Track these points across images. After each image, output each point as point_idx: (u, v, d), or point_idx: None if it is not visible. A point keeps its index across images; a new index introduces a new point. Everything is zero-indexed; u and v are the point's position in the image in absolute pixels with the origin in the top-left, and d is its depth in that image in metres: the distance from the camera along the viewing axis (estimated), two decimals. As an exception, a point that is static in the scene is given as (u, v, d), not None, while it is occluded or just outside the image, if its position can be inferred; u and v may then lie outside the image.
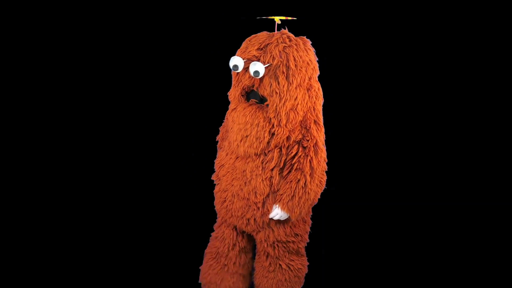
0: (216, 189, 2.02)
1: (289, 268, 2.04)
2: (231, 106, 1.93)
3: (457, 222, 2.53)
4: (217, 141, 2.05)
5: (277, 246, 2.00)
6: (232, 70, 1.87)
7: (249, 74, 1.85)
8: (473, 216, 2.55)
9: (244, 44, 1.89)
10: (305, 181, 1.89)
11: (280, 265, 2.04)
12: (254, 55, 1.86)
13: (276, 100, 1.86)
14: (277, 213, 1.92)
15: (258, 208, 1.93)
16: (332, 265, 2.33)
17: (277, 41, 1.86)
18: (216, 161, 2.02)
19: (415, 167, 2.68)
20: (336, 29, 2.58)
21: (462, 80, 2.66)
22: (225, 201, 1.98)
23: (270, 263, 2.04)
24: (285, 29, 1.91)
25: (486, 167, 2.66)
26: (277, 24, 1.91)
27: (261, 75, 1.83)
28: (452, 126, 2.67)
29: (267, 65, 1.83)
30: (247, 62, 1.85)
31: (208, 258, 2.11)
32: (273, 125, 1.86)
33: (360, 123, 2.66)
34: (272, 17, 1.92)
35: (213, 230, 2.12)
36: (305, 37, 1.91)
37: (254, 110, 1.87)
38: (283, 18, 1.91)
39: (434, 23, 2.62)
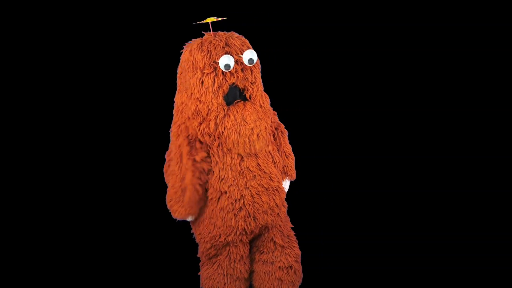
0: (220, 205, 1.94)
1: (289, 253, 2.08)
2: (214, 116, 1.88)
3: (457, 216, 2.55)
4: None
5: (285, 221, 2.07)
6: (225, 71, 1.87)
7: (232, 71, 1.87)
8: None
9: (201, 52, 1.88)
10: (290, 148, 2.05)
11: (283, 249, 2.07)
12: (226, 52, 1.88)
13: (259, 85, 1.93)
14: (287, 185, 2.06)
15: (275, 190, 1.97)
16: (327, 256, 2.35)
17: (230, 35, 1.92)
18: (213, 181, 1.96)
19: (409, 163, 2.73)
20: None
21: (459, 78, 2.72)
22: (241, 209, 1.93)
23: (274, 252, 2.05)
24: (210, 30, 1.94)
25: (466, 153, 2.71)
26: (211, 24, 1.93)
27: (254, 62, 1.88)
28: (447, 124, 2.73)
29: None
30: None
31: (207, 267, 2.06)
32: (265, 110, 1.94)
33: (357, 122, 2.72)
34: (206, 20, 1.93)
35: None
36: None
37: (251, 106, 1.90)
38: (214, 19, 1.93)
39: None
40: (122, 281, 2.21)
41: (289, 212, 2.12)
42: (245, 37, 1.96)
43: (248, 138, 1.89)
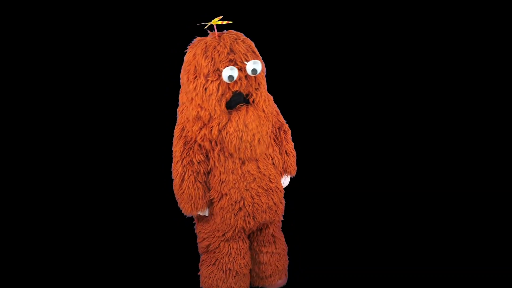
0: (220, 205, 1.98)
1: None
2: (216, 122, 1.89)
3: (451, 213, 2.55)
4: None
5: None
6: (228, 81, 1.85)
7: (236, 79, 1.86)
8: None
9: (205, 59, 1.86)
10: (291, 147, 2.07)
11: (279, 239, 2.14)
12: (230, 60, 1.86)
13: (262, 90, 1.92)
14: (287, 181, 2.08)
15: (274, 191, 2.01)
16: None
17: (235, 39, 1.88)
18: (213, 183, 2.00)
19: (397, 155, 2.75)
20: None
21: (460, 78, 2.74)
22: (240, 209, 1.97)
23: (275, 243, 2.13)
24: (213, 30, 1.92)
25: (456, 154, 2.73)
26: (215, 26, 1.90)
27: (258, 73, 1.88)
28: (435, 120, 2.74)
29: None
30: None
31: (206, 265, 2.10)
32: (267, 114, 1.94)
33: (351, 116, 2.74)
34: (211, 22, 1.90)
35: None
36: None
37: (253, 111, 1.90)
38: (218, 21, 1.90)
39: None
40: (122, 281, 2.23)
41: (290, 212, 2.16)
42: (246, 36, 1.94)
43: (250, 144, 1.90)
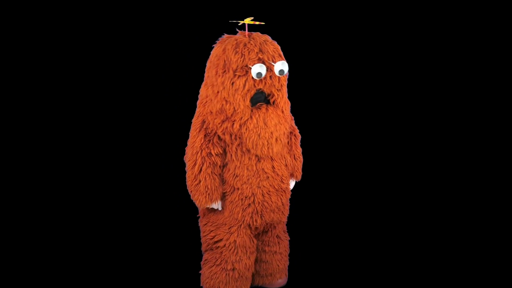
0: (231, 199, 2.02)
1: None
2: (239, 117, 1.93)
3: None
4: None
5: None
6: (256, 78, 1.89)
7: (263, 77, 1.90)
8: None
9: (235, 54, 1.90)
10: (300, 151, 2.12)
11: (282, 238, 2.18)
12: (259, 58, 1.91)
13: (283, 92, 1.97)
14: (292, 185, 2.13)
15: (284, 191, 2.05)
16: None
17: (264, 40, 1.94)
18: (227, 177, 2.04)
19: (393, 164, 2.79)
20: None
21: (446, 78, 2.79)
22: (249, 206, 2.01)
23: (279, 244, 2.16)
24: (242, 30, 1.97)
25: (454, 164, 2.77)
26: (247, 25, 1.94)
27: (284, 74, 1.93)
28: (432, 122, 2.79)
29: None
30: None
31: (209, 265, 2.10)
32: (286, 116, 1.99)
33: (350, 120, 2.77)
34: (244, 21, 1.95)
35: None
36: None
37: (273, 111, 1.94)
38: (250, 21, 1.95)
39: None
40: (123, 280, 2.23)
41: (290, 213, 2.18)
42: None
43: (267, 141, 1.95)
